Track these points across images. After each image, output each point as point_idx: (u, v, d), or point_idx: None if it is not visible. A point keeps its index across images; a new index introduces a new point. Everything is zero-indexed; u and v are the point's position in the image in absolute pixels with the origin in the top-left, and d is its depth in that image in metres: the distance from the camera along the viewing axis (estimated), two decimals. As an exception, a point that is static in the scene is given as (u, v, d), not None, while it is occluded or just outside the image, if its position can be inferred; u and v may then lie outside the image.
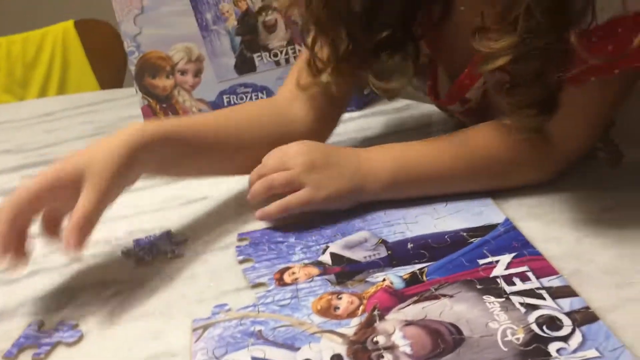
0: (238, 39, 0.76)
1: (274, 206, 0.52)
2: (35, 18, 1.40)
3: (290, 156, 0.52)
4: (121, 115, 0.88)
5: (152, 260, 0.51)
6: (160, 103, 0.80)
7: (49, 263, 0.52)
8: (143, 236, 0.54)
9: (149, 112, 0.80)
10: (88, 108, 0.95)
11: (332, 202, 0.51)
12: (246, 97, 0.78)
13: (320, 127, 0.61)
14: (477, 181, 0.53)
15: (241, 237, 0.52)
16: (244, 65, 0.77)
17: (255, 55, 0.77)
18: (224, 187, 0.60)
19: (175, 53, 0.77)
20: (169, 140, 0.50)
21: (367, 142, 0.69)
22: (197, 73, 0.78)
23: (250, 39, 0.76)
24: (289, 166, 0.52)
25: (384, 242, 0.49)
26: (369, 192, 0.52)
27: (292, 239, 0.51)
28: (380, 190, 0.52)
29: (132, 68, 0.78)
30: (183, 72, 0.78)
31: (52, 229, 0.46)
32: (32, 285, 0.50)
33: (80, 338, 0.43)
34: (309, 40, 0.57)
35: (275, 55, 0.76)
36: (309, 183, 0.51)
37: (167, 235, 0.54)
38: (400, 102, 0.78)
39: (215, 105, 0.79)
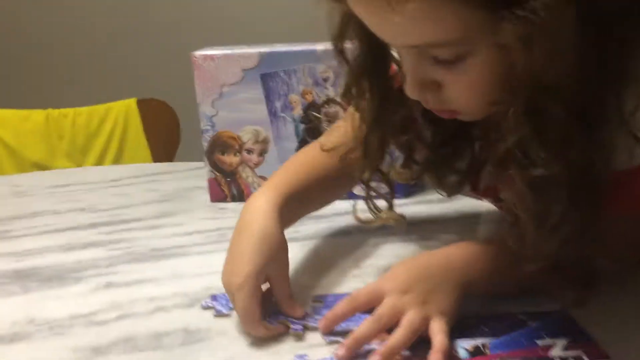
0: (301, 126, 0.85)
1: (440, 353, 0.47)
2: (102, 93, 1.53)
3: (401, 304, 0.50)
4: (184, 186, 0.96)
5: (229, 313, 0.57)
6: (225, 177, 0.88)
7: (135, 309, 0.59)
8: (219, 292, 0.60)
9: (214, 184, 0.88)
10: (152, 177, 1.03)
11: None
12: (303, 177, 0.86)
13: None
14: None
15: (316, 299, 0.58)
16: (305, 149, 0.86)
17: (316, 141, 0.85)
18: (295, 248, 0.66)
19: (244, 134, 0.86)
20: (289, 205, 0.60)
21: (414, 228, 0.75)
22: (262, 153, 0.87)
23: (312, 127, 0.85)
24: (403, 310, 0.50)
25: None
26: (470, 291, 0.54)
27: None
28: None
29: (204, 144, 0.87)
30: (249, 151, 0.87)
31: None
32: (122, 328, 0.56)
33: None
34: (365, 176, 0.61)
35: (334, 142, 0.84)
36: (433, 315, 0.50)
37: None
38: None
39: (275, 182, 0.87)
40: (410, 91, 0.51)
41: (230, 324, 0.55)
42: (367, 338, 0.49)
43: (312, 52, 0.81)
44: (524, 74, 0.44)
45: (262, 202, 0.58)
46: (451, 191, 0.65)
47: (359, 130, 0.59)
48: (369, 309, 0.51)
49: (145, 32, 1.93)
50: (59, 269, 0.68)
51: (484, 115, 0.52)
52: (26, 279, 0.67)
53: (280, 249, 0.56)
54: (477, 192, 0.67)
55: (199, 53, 0.83)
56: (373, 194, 0.63)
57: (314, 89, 0.83)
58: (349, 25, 0.53)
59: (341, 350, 0.48)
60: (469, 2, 0.43)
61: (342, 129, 0.65)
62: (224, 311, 0.57)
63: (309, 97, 0.84)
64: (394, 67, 0.56)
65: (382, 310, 0.50)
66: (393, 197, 0.64)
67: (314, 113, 0.84)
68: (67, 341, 0.54)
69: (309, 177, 0.65)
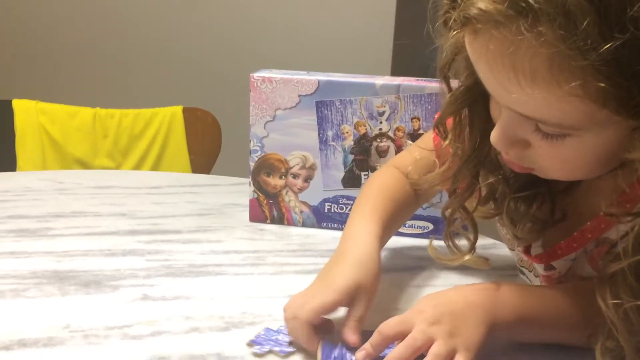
0: (350, 157, 0.85)
1: None
2: (153, 99, 1.55)
3: (431, 333, 0.50)
4: (224, 201, 0.96)
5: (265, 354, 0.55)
6: (268, 198, 0.87)
7: (170, 327, 0.58)
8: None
9: (256, 205, 0.88)
10: (192, 188, 1.03)
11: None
12: (346, 207, 0.85)
13: None
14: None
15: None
16: (351, 180, 0.85)
17: (362, 174, 0.85)
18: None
19: (292, 158, 0.85)
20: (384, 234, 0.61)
21: (453, 272, 0.73)
22: (307, 179, 0.86)
23: (361, 158, 0.84)
24: (433, 338, 0.50)
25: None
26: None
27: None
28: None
29: (251, 164, 0.87)
30: (295, 176, 0.86)
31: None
32: (157, 345, 0.55)
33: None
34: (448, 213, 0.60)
35: (381, 177, 0.83)
36: (460, 349, 0.50)
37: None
38: (486, 240, 0.83)
39: (316, 210, 0.86)
40: (496, 141, 0.50)
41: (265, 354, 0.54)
42: None
43: (371, 86, 0.81)
44: None
45: (362, 231, 0.59)
46: (523, 239, 0.60)
47: (451, 164, 0.58)
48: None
49: (203, 43, 1.95)
50: (98, 275, 0.68)
51: (564, 179, 0.51)
52: (65, 281, 0.67)
53: (376, 276, 0.56)
54: (528, 254, 0.63)
55: (257, 75, 0.83)
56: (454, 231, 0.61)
57: (368, 121, 0.82)
58: (458, 56, 0.52)
59: None
60: (598, 102, 0.41)
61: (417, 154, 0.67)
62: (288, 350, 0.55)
63: (362, 129, 0.83)
64: None
65: (415, 334, 0.50)
66: (476, 237, 0.61)
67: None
68: (101, 353, 0.54)
69: (395, 204, 0.66)
